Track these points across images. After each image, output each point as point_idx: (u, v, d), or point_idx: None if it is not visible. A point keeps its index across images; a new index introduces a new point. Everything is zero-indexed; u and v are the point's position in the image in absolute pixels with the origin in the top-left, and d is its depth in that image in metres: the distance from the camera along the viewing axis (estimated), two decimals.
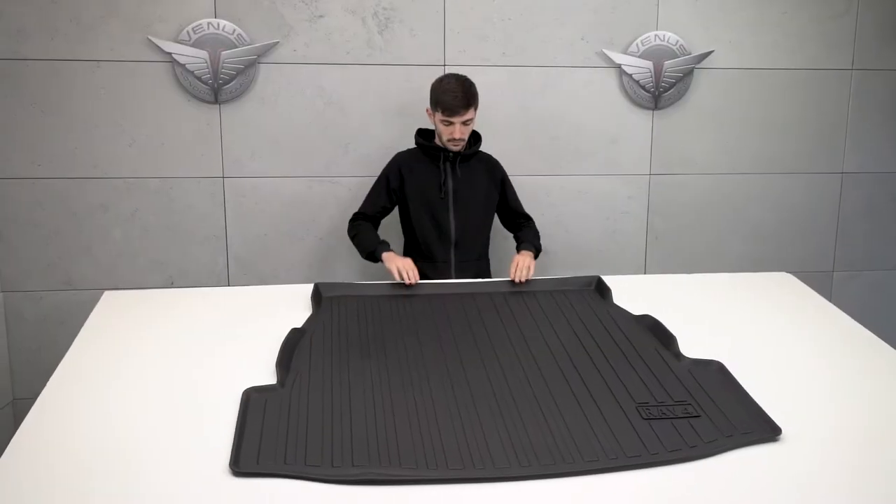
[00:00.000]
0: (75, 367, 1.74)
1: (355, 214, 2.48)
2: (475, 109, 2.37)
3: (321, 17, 2.66)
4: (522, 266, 2.18)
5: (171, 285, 2.77)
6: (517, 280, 2.16)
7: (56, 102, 2.60)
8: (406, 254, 2.55)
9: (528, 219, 2.57)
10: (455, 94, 2.29)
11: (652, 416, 1.54)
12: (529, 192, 2.85)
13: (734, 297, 2.24)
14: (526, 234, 2.48)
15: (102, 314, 2.05)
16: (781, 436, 1.48)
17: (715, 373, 1.72)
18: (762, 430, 1.51)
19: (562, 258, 2.95)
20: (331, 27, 2.67)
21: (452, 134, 2.34)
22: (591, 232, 2.96)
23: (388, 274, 2.20)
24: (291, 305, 2.08)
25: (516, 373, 1.72)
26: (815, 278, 3.11)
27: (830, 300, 3.14)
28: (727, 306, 2.18)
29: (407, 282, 2.12)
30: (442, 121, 2.34)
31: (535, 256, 2.36)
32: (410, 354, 1.79)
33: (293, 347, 1.80)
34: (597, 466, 1.40)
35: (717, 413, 1.56)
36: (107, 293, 2.18)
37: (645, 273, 3.01)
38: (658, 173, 2.95)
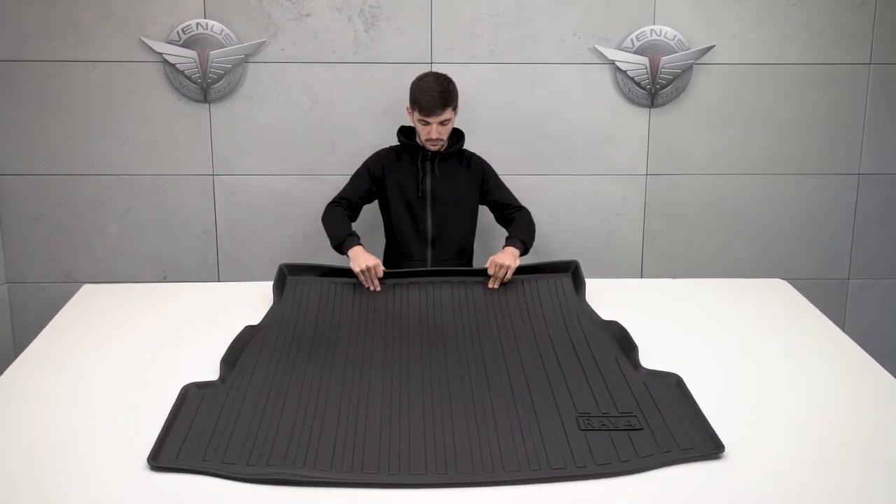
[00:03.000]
0: (37, 356, 1.80)
1: (335, 199, 2.43)
2: (454, 110, 2.33)
3: (307, 15, 2.67)
4: (500, 272, 2.10)
5: (165, 279, 2.84)
6: (491, 287, 2.09)
7: (55, 102, 2.70)
8: (386, 251, 2.54)
9: (521, 209, 2.45)
10: (432, 94, 2.26)
11: (590, 427, 1.49)
12: (520, 192, 2.78)
13: (719, 304, 2.14)
14: (516, 227, 2.37)
15: (77, 306, 2.11)
16: (725, 453, 1.40)
17: (671, 385, 1.65)
18: (704, 446, 1.43)
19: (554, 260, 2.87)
20: (317, 26, 2.68)
21: (429, 134, 2.31)
22: (584, 234, 2.88)
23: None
24: (266, 302, 2.09)
25: (461, 375, 1.68)
26: (829, 286, 2.95)
27: (846, 309, 2.98)
28: (710, 313, 2.08)
29: (367, 286, 2.09)
30: (419, 120, 2.31)
31: (525, 252, 2.28)
32: (356, 354, 1.77)
33: (244, 344, 1.81)
34: (516, 477, 1.36)
35: (662, 427, 1.49)
36: (86, 286, 2.25)
37: (641, 277, 2.91)
38: (655, 173, 2.85)
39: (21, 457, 1.39)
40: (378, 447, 1.42)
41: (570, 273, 2.14)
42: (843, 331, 2.96)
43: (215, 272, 2.86)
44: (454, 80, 2.35)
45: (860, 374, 1.73)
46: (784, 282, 2.30)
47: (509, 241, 2.28)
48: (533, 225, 2.42)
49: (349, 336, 1.87)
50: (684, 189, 2.86)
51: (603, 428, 1.49)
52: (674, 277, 2.67)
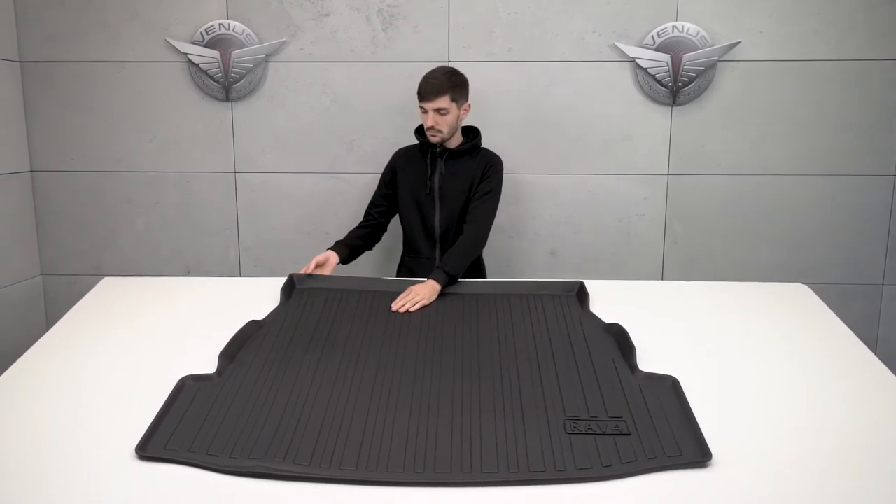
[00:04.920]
0: (48, 346, 1.85)
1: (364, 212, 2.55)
2: (453, 101, 2.30)
3: (327, 15, 2.70)
4: (408, 300, 2.00)
5: (188, 274, 2.91)
6: (393, 307, 2.00)
7: (86, 101, 2.79)
8: (403, 249, 2.56)
9: (474, 223, 2.31)
10: (428, 80, 2.29)
11: (576, 431, 1.46)
12: (537, 192, 2.77)
13: (733, 309, 2.07)
14: (451, 252, 2.24)
15: (94, 299, 2.18)
16: (712, 462, 1.36)
17: (666, 389, 1.60)
18: (691, 453, 1.39)
19: (571, 261, 2.84)
20: (336, 25, 2.71)
21: (426, 121, 2.32)
22: (603, 234, 2.83)
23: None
24: (277, 298, 2.12)
25: (452, 376, 1.67)
26: (862, 292, 2.84)
27: (879, 316, 2.87)
28: (723, 317, 2.02)
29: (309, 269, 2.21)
30: (419, 107, 2.33)
31: (451, 283, 2.14)
32: (352, 353, 1.78)
33: (245, 339, 1.84)
34: (493, 478, 1.34)
35: (650, 432, 1.45)
36: (105, 279, 2.32)
37: (662, 279, 2.85)
38: (677, 173, 2.78)
39: (22, 455, 1.43)
40: (359, 444, 1.42)
41: (575, 293, 2.11)
42: (877, 338, 2.88)
43: (237, 268, 2.92)
44: (471, 77, 2.34)
45: (865, 379, 1.65)
46: (805, 286, 2.22)
47: (433, 274, 2.12)
48: (473, 248, 2.29)
49: (348, 336, 1.88)
50: (707, 189, 2.79)
51: (589, 432, 1.45)
52: (696, 280, 2.61)
